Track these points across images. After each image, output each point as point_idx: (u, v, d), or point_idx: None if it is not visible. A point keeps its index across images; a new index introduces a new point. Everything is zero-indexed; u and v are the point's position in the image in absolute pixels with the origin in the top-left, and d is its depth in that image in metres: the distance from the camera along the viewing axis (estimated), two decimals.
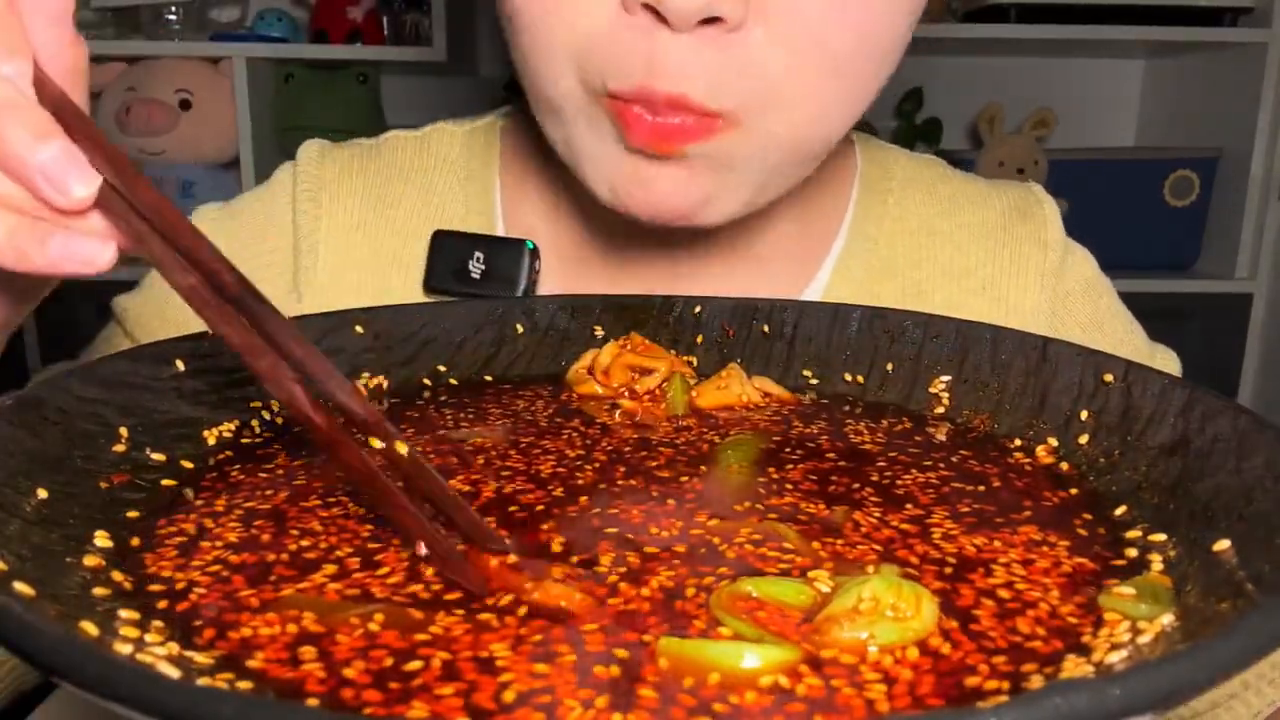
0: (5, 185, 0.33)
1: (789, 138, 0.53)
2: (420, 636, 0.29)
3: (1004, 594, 0.32)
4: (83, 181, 0.33)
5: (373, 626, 0.30)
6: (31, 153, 0.32)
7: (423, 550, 0.34)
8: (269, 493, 0.39)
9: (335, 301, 0.64)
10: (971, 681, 0.28)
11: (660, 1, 0.47)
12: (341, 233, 0.66)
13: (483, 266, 0.61)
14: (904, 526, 0.37)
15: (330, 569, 0.33)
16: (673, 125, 0.50)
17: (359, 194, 0.66)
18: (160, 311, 0.66)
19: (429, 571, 0.33)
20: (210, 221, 0.67)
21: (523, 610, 0.31)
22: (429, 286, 0.63)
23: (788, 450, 0.45)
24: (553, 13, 0.50)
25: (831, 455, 0.44)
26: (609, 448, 0.45)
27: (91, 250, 0.33)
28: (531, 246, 0.62)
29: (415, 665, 0.28)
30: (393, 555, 0.34)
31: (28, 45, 0.35)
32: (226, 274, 0.33)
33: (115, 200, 0.33)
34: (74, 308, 1.98)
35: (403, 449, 0.34)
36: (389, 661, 0.28)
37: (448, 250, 0.63)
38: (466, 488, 0.40)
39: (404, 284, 0.65)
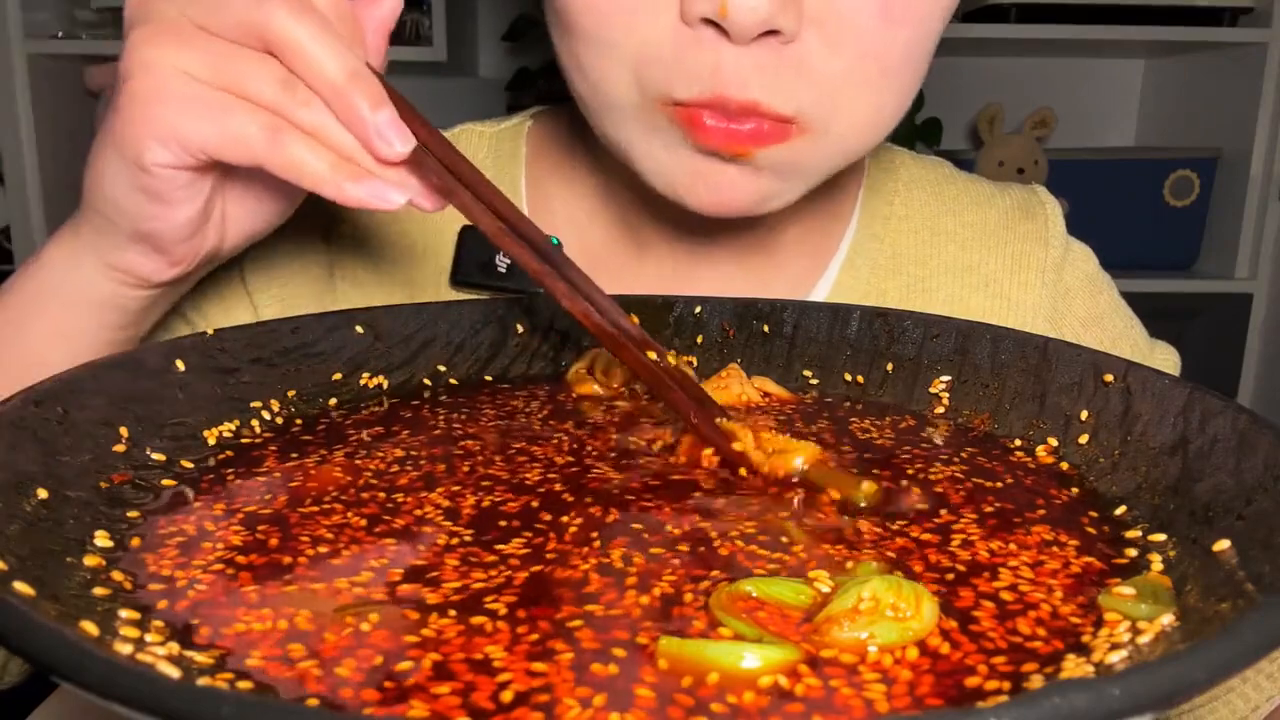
0: (338, 133, 0.42)
1: (851, 140, 0.55)
2: (410, 638, 0.29)
3: (1006, 596, 0.32)
4: (405, 140, 0.42)
5: (364, 626, 0.30)
6: (372, 113, 0.41)
7: (693, 419, 0.44)
8: (267, 496, 0.39)
9: (366, 290, 0.67)
10: (971, 682, 0.28)
11: (722, 17, 0.48)
12: (373, 225, 0.68)
13: (508, 260, 0.63)
14: (907, 529, 0.37)
15: (365, 575, 0.33)
16: (746, 131, 0.51)
17: None
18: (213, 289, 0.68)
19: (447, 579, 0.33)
20: None
21: (518, 612, 0.31)
22: (456, 280, 0.65)
23: None
24: (612, 23, 0.51)
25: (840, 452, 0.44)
26: (609, 448, 0.45)
27: (392, 193, 0.42)
28: (556, 242, 0.63)
29: (405, 665, 0.28)
30: (451, 571, 0.34)
31: (364, 41, 0.45)
32: (519, 221, 0.46)
33: (426, 159, 0.43)
34: None
35: (672, 359, 0.47)
36: (378, 660, 0.28)
37: (474, 245, 0.65)
38: (446, 502, 0.39)
39: (431, 277, 0.67)
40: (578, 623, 0.30)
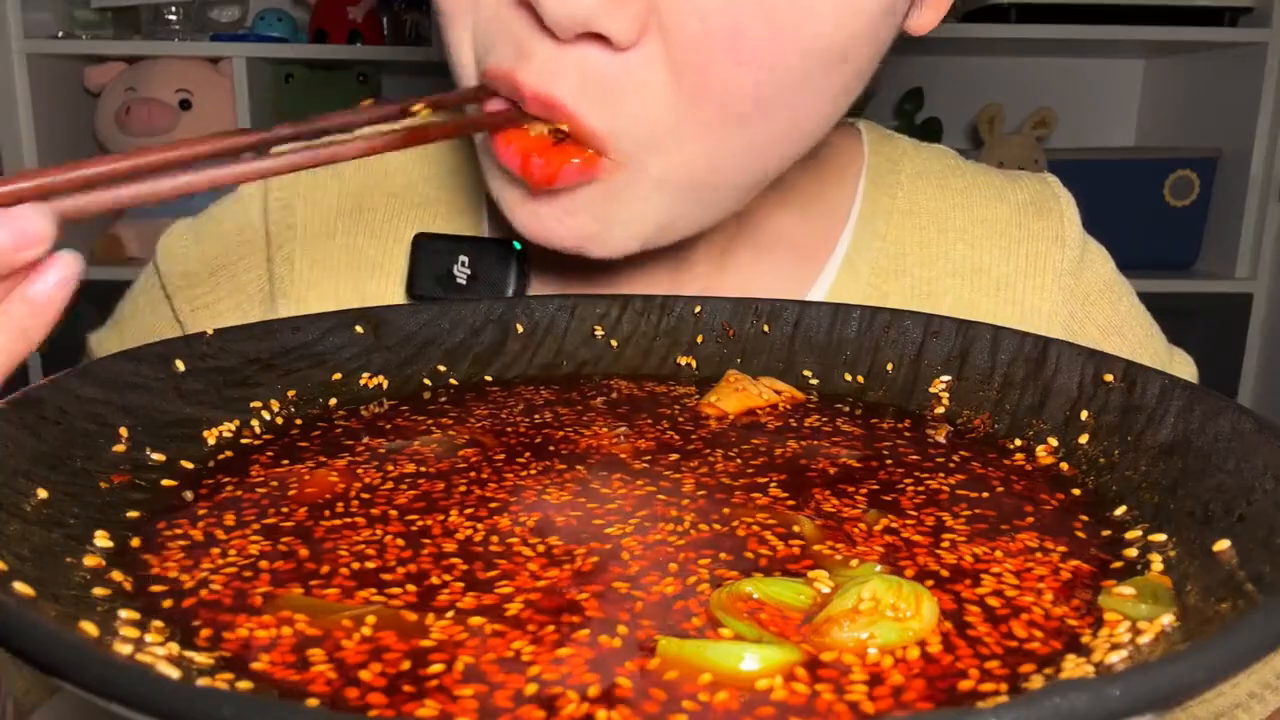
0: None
1: (685, 182, 0.48)
2: (424, 642, 0.29)
3: (1010, 593, 0.32)
4: (30, 226, 0.33)
5: (365, 630, 0.29)
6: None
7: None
8: (286, 510, 0.39)
9: (313, 310, 0.61)
10: (970, 682, 0.28)
11: (537, 2, 0.42)
12: (317, 240, 0.64)
13: (468, 271, 0.58)
14: (907, 531, 0.37)
15: (370, 581, 0.33)
16: (538, 166, 0.46)
17: (334, 199, 0.64)
18: (138, 337, 0.65)
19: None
20: (180, 244, 0.66)
21: (519, 608, 0.31)
22: (412, 294, 0.60)
23: (804, 446, 0.45)
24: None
25: (845, 456, 0.44)
26: (622, 439, 0.45)
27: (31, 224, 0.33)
28: (520, 247, 0.59)
29: (437, 669, 0.28)
30: (457, 573, 0.34)
31: None
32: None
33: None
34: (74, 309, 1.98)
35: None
36: (406, 665, 0.28)
37: (430, 255, 0.59)
38: (430, 520, 0.40)
39: (384, 291, 0.63)
40: (584, 595, 0.31)
